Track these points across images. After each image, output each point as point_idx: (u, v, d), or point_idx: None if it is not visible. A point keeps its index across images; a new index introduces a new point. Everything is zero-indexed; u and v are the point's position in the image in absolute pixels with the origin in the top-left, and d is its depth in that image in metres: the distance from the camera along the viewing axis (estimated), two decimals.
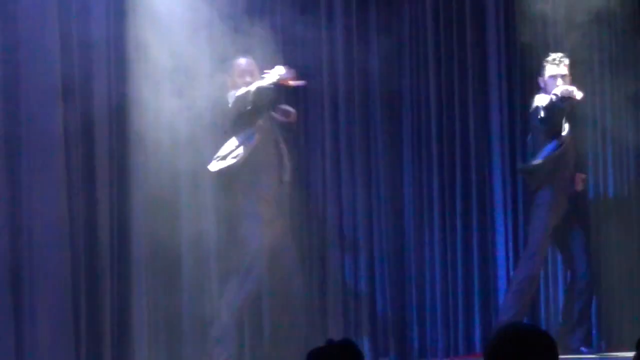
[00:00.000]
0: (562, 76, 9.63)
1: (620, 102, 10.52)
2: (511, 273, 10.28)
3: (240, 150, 9.04)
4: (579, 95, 9.39)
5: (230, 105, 9.16)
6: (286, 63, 9.30)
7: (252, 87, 8.94)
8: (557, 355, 3.26)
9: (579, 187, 9.87)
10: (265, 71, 9.10)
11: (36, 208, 8.37)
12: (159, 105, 9.08)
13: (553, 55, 9.81)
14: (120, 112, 9.12)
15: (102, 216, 8.69)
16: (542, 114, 9.58)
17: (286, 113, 9.36)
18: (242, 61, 9.32)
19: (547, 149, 9.53)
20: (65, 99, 8.54)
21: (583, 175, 9.96)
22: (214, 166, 8.89)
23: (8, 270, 8.24)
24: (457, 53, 10.76)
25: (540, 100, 9.59)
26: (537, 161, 9.58)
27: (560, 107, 9.44)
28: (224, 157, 9.01)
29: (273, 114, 9.40)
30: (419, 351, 10.20)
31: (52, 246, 8.42)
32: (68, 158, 8.57)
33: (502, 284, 10.31)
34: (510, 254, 10.39)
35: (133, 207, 8.94)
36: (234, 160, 9.01)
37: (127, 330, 9.13)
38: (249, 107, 8.98)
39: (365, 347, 9.99)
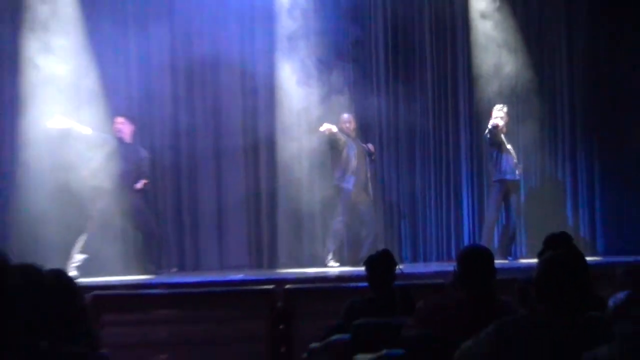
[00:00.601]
0: (501, 117, 11.83)
1: (532, 127, 12.69)
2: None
3: (353, 160, 11.73)
4: (500, 124, 11.61)
5: (340, 140, 11.67)
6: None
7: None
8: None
9: (518, 175, 12.09)
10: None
11: None
12: (298, 140, 11.92)
13: (497, 105, 12.00)
14: (270, 142, 12.16)
15: None
16: (487, 135, 11.90)
17: (370, 148, 11.90)
18: (345, 115, 11.83)
19: (501, 161, 11.81)
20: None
21: (519, 167, 12.14)
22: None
23: None
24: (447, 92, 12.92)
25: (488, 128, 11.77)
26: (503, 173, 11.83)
27: (493, 132, 11.64)
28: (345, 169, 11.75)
29: (363, 145, 11.93)
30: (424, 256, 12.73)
31: None
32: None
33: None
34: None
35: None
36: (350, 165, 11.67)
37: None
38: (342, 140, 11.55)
39: (408, 252, 12.60)
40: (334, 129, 11.66)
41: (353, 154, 11.84)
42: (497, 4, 12.87)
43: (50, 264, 5.09)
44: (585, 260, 4.41)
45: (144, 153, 11.36)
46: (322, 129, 11.64)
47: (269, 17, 12.39)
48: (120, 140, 11.08)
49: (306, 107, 12.04)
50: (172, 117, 12.17)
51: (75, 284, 5.17)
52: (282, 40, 12.35)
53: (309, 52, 12.32)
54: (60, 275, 5.11)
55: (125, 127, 11.14)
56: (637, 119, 12.87)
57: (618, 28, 12.89)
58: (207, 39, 11.99)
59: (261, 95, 12.45)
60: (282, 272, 11.17)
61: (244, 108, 12.40)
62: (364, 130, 12.21)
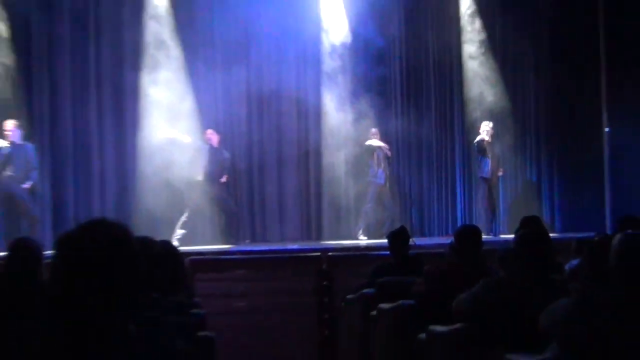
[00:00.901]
0: (487, 131, 11.69)
1: (507, 140, 12.54)
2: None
3: (381, 162, 11.75)
4: (485, 137, 11.55)
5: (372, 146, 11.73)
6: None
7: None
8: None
9: (499, 174, 12.10)
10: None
11: None
12: (337, 149, 12.11)
13: (484, 122, 11.90)
14: (317, 151, 12.28)
15: None
16: (475, 145, 11.79)
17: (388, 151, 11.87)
18: (373, 129, 11.85)
19: (486, 164, 11.68)
20: None
21: (501, 169, 12.14)
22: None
23: None
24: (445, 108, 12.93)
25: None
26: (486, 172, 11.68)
27: (480, 143, 11.56)
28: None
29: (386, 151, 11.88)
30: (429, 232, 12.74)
31: None
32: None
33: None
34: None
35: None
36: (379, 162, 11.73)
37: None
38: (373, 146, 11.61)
39: (417, 229, 12.49)
40: (374, 142, 11.71)
41: (381, 158, 11.79)
42: (482, 49, 12.76)
43: (160, 237, 5.17)
44: (549, 236, 4.47)
45: (227, 155, 11.39)
46: (367, 143, 11.87)
47: (317, 59, 12.39)
48: (209, 146, 11.12)
49: (343, 125, 12.03)
50: (246, 132, 12.21)
51: (177, 251, 5.30)
52: (325, 76, 12.35)
53: (345, 85, 12.31)
54: (167, 245, 5.24)
55: (213, 137, 11.18)
56: (584, 136, 12.77)
57: (572, 68, 12.75)
58: (272, 76, 12.08)
59: (310, 117, 12.47)
60: (326, 243, 11.16)
61: (298, 126, 12.43)
62: (384, 141, 12.08)
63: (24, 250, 4.36)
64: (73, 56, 11.26)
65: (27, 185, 10.12)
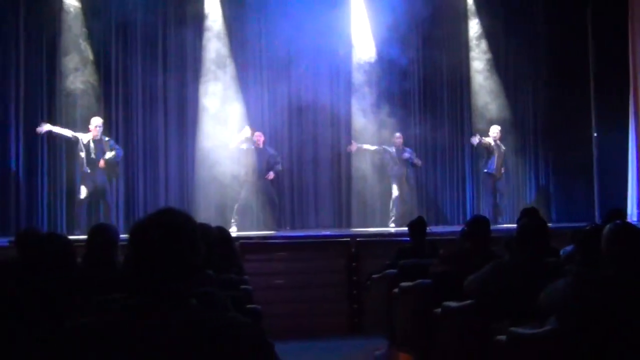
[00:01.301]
0: (496, 133, 11.61)
1: (509, 142, 12.33)
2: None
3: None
4: (490, 140, 11.45)
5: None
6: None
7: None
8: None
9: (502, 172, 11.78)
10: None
11: None
12: (365, 151, 11.88)
13: (493, 126, 11.83)
14: (347, 152, 12.06)
15: None
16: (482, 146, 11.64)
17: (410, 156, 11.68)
18: (397, 133, 11.66)
19: (492, 162, 11.58)
20: None
21: (502, 168, 11.83)
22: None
23: None
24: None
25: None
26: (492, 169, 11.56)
27: (485, 144, 11.50)
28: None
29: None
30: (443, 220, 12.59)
31: None
32: None
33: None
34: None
35: None
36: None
37: None
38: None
39: (433, 218, 12.15)
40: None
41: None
42: (488, 66, 12.67)
43: (215, 224, 5.16)
44: (546, 225, 4.45)
45: (271, 151, 11.24)
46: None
47: (347, 74, 12.34)
48: (256, 147, 10.99)
49: (369, 131, 11.91)
50: (287, 136, 12.19)
51: (230, 235, 5.32)
52: (354, 89, 12.29)
53: (371, 97, 12.22)
54: (221, 230, 5.25)
55: (260, 139, 11.05)
56: (575, 140, 12.60)
57: (566, 83, 12.68)
58: (308, 88, 11.99)
59: (341, 124, 12.41)
60: (355, 230, 11.06)
61: (331, 131, 12.37)
62: (405, 141, 11.95)
63: (103, 234, 4.34)
64: (144, 72, 11.43)
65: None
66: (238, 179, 11.00)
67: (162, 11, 11.62)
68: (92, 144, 9.99)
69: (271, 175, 11.09)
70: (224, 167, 10.99)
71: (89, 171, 9.96)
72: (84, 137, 10.02)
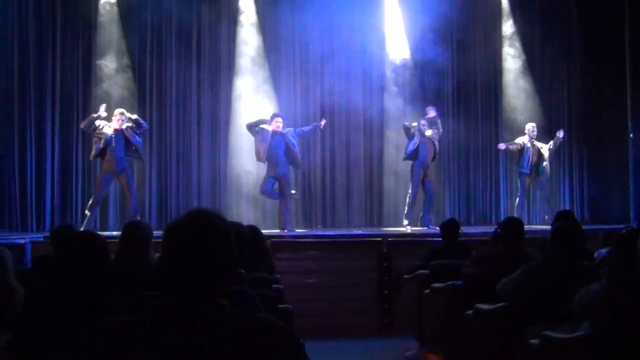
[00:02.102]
0: (530, 131, 11.23)
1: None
2: None
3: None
4: (524, 140, 11.17)
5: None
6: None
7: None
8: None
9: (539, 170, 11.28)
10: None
11: None
12: (396, 151, 11.89)
13: (528, 124, 11.49)
14: (380, 152, 12.22)
15: None
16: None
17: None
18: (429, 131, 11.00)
19: (525, 160, 11.25)
20: None
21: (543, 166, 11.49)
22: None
23: None
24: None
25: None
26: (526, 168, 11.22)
27: (510, 149, 11.31)
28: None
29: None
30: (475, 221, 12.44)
31: None
32: None
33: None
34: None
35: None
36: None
37: None
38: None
39: (465, 219, 12.08)
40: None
41: None
42: (521, 66, 12.55)
43: (245, 219, 5.16)
44: (581, 227, 4.37)
45: (290, 138, 10.43)
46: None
47: (380, 73, 12.29)
48: (274, 131, 10.21)
49: (401, 132, 11.42)
50: (320, 135, 12.08)
51: (262, 234, 5.30)
52: (387, 89, 12.25)
53: (404, 98, 12.20)
54: (253, 228, 5.23)
55: (279, 123, 10.25)
56: (611, 141, 12.49)
57: (601, 84, 12.57)
58: (342, 93, 11.96)
59: (375, 124, 12.38)
60: (386, 230, 10.99)
61: (364, 133, 12.33)
62: (438, 141, 11.59)
63: (135, 232, 4.37)
64: (178, 71, 11.58)
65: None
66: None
67: (197, 13, 11.75)
68: (113, 134, 9.60)
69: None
70: (256, 166, 11.02)
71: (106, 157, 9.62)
72: (108, 129, 9.67)
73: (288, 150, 10.23)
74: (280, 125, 10.26)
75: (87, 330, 1.88)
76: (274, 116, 10.31)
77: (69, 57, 11.04)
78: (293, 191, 10.61)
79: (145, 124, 9.97)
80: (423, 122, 10.80)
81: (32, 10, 10.80)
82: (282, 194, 10.28)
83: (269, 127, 10.15)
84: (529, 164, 11.29)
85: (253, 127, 10.18)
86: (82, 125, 9.84)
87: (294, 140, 10.35)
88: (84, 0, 11.06)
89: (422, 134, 10.69)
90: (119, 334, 1.84)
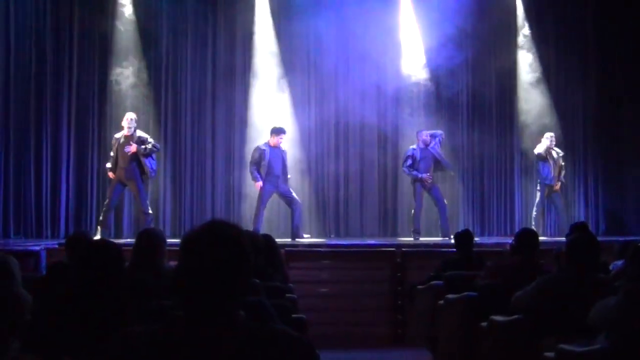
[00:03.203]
0: (549, 140, 11.16)
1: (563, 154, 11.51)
2: None
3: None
4: (541, 150, 11.09)
5: None
6: None
7: None
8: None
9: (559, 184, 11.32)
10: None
11: None
12: None
13: (547, 133, 11.40)
14: (395, 167, 12.06)
15: None
16: (536, 156, 11.40)
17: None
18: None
19: (547, 171, 11.19)
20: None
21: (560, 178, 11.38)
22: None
23: None
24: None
25: None
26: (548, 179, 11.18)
27: (540, 154, 11.20)
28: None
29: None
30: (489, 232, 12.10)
31: None
32: None
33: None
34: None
35: None
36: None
37: None
38: None
39: (479, 229, 11.47)
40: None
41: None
42: (535, 75, 12.47)
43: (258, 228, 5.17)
44: (596, 239, 4.32)
45: (284, 151, 10.51)
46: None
47: (395, 87, 12.16)
48: (273, 146, 10.25)
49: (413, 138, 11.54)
50: (336, 146, 12.14)
51: (276, 243, 5.32)
52: (402, 101, 12.21)
53: (418, 108, 12.21)
54: (267, 238, 5.26)
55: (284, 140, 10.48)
56: (626, 154, 12.46)
57: (617, 92, 12.46)
58: (356, 109, 11.88)
59: (389, 134, 12.30)
60: (400, 240, 10.94)
61: (378, 149, 12.25)
62: (452, 151, 11.87)
63: (149, 239, 4.39)
64: (193, 77, 11.63)
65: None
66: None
67: (212, 26, 11.83)
68: (123, 140, 9.72)
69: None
70: None
71: (117, 165, 9.72)
72: (120, 135, 9.83)
73: (284, 168, 10.33)
74: (281, 142, 10.34)
75: (102, 341, 1.88)
76: (279, 132, 10.30)
77: (85, 67, 11.11)
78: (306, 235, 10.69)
79: (157, 147, 10.04)
80: (425, 134, 10.83)
81: (49, 21, 10.90)
82: (290, 205, 10.38)
83: (266, 147, 10.20)
84: (552, 174, 11.23)
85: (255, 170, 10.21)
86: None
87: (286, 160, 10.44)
88: (100, 11, 11.15)
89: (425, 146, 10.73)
90: (135, 345, 1.84)
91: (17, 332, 3.18)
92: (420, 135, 10.79)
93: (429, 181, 10.69)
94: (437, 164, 10.78)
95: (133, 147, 9.64)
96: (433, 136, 10.80)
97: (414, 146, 10.79)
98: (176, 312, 1.88)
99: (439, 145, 10.85)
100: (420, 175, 10.62)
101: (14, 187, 10.56)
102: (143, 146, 9.67)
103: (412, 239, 10.68)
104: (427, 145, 10.70)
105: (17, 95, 10.70)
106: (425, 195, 10.89)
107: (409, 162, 10.70)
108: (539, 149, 11.26)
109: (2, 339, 2.90)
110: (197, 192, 11.59)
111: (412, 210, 10.93)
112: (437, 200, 10.88)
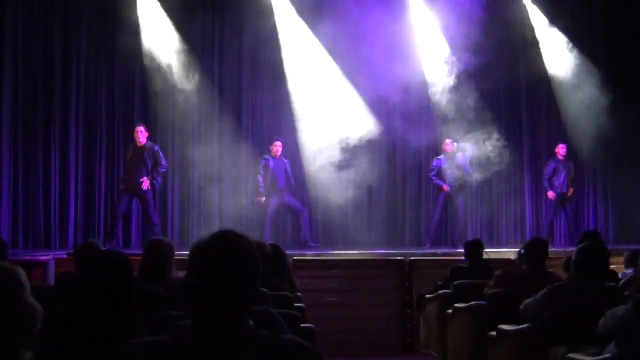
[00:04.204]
0: (559, 151, 11.40)
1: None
2: None
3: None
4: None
5: None
6: None
7: None
8: None
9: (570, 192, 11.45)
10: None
11: None
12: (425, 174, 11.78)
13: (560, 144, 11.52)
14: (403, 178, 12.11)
15: None
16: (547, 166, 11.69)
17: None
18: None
19: (560, 179, 11.34)
20: None
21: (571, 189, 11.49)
22: None
23: None
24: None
25: None
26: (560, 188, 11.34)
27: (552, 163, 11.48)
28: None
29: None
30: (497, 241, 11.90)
31: None
32: None
33: None
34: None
35: None
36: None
37: None
38: None
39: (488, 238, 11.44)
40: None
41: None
42: (545, 85, 12.40)
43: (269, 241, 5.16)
44: (606, 248, 4.32)
45: (287, 161, 10.75)
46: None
47: (404, 100, 11.79)
48: (273, 157, 10.57)
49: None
50: (344, 161, 11.76)
51: (284, 252, 5.32)
52: (407, 111, 11.87)
53: (422, 118, 12.00)
54: (276, 247, 5.26)
55: (278, 148, 10.59)
56: (637, 156, 12.38)
57: (627, 99, 12.23)
58: (366, 111, 11.80)
59: (397, 143, 12.19)
60: (408, 249, 10.87)
61: (387, 151, 12.20)
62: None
63: (157, 249, 4.39)
64: (200, 89, 11.50)
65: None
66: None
67: (219, 42, 11.81)
68: (134, 151, 9.85)
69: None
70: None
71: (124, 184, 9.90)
72: (132, 147, 9.98)
73: (287, 178, 10.40)
74: (280, 150, 10.41)
75: (111, 352, 1.90)
76: (272, 140, 10.47)
77: (93, 75, 11.11)
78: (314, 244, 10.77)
79: (165, 165, 10.10)
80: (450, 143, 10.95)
81: (57, 26, 10.89)
82: (296, 213, 10.40)
83: (269, 157, 10.33)
84: (564, 183, 11.31)
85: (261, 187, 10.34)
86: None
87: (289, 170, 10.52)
88: (109, 15, 11.05)
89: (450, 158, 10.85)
90: (144, 356, 1.85)
91: (30, 343, 3.13)
92: (446, 145, 10.99)
93: (448, 190, 10.88)
94: (462, 174, 10.95)
95: (145, 184, 9.78)
96: (461, 148, 11.00)
97: (441, 156, 11.00)
98: (185, 321, 1.89)
99: (465, 156, 11.00)
100: (441, 184, 10.84)
101: (23, 197, 10.58)
102: (151, 176, 9.83)
103: (422, 247, 10.70)
104: (450, 154, 10.90)
105: (25, 105, 10.69)
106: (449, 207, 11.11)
107: (435, 171, 10.95)
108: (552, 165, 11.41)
109: (15, 349, 2.88)
110: (205, 203, 11.50)
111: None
112: (456, 210, 11.07)
